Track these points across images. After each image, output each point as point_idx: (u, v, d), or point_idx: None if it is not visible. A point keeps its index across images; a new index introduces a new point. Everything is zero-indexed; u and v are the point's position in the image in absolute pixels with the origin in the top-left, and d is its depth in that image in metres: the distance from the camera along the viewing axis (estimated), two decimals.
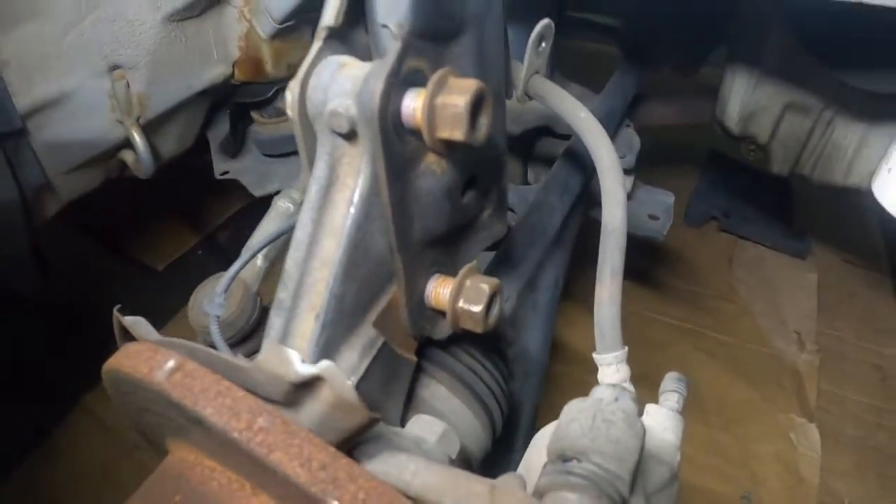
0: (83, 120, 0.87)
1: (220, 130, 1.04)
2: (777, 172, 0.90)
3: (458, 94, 0.35)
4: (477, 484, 0.33)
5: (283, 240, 0.59)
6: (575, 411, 0.32)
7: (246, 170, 1.01)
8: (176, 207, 1.74)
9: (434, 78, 0.35)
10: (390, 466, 0.34)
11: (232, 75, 0.95)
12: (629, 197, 0.85)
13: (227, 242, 1.73)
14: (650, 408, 0.47)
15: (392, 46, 0.35)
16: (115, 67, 0.86)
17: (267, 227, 0.56)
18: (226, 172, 1.00)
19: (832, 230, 1.62)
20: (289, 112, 0.35)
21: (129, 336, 0.40)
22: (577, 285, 1.24)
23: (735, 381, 1.36)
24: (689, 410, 1.14)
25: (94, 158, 0.92)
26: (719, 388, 1.35)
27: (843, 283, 1.57)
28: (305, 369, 0.29)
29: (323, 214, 0.37)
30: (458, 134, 0.36)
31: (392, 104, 0.36)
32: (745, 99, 0.84)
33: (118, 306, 0.43)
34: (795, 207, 1.66)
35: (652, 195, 0.84)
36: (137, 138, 0.87)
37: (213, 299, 0.47)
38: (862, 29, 0.59)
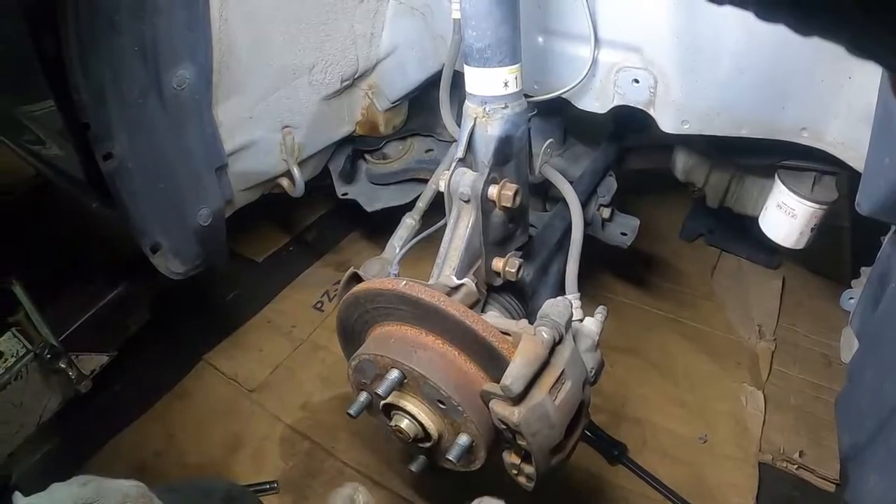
0: (261, 159, 1.41)
1: (338, 163, 1.61)
2: (710, 205, 1.43)
3: (509, 190, 0.90)
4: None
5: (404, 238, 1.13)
6: (549, 304, 0.85)
7: (360, 192, 1.60)
8: (272, 213, 2.29)
9: (500, 183, 0.90)
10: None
11: (354, 131, 1.53)
12: (609, 220, 1.39)
13: (313, 241, 2.29)
14: (587, 318, 0.99)
15: (484, 170, 0.91)
16: (285, 126, 1.41)
17: (402, 233, 1.08)
18: (345, 193, 1.58)
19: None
20: (442, 187, 0.90)
21: (355, 279, 0.95)
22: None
23: (702, 357, 1.82)
24: (665, 375, 1.68)
25: (263, 183, 1.47)
26: (689, 362, 1.80)
27: (805, 289, 2.01)
28: (454, 282, 0.84)
29: (455, 230, 0.92)
30: (507, 203, 0.91)
31: (484, 192, 0.90)
32: (685, 162, 1.38)
33: (352, 268, 0.97)
34: None
35: (624, 219, 1.38)
36: (296, 172, 1.43)
37: (390, 269, 0.99)
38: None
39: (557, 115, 1.34)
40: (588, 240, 1.33)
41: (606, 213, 1.33)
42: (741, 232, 1.96)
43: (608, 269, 2.08)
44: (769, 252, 2.04)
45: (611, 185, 1.36)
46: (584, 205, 1.31)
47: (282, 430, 1.70)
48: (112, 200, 1.23)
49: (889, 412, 0.82)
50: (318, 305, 2.04)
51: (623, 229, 1.36)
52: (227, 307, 2.00)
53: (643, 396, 1.73)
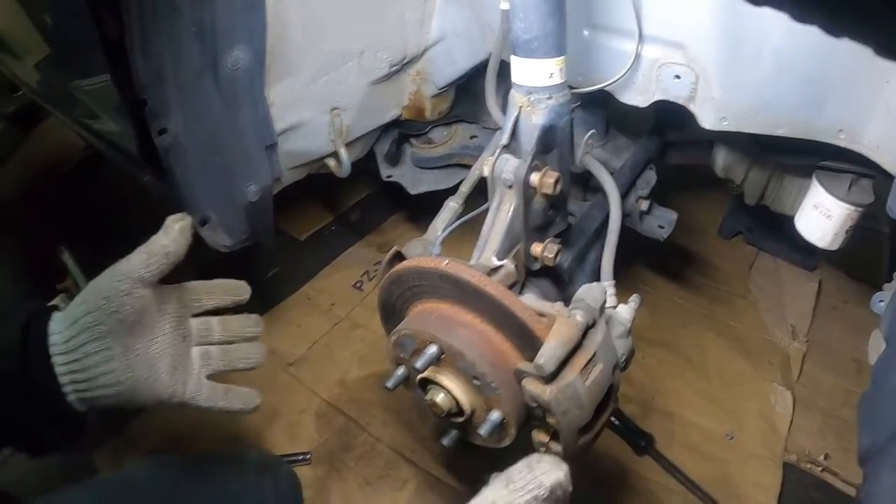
0: (310, 139, 1.46)
1: (383, 146, 1.66)
2: (748, 202, 1.45)
3: (550, 177, 0.93)
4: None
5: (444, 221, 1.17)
6: (584, 289, 0.89)
7: (403, 175, 1.65)
8: (316, 192, 2.38)
9: (542, 171, 0.93)
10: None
11: (401, 115, 1.58)
12: (647, 212, 1.42)
13: (355, 221, 2.35)
14: (620, 305, 1.02)
15: (527, 157, 0.95)
16: (334, 108, 1.46)
17: (445, 216, 1.12)
18: (390, 176, 1.64)
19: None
20: (486, 173, 0.94)
21: (398, 258, 1.00)
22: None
23: (735, 355, 1.84)
24: (697, 371, 1.71)
25: (311, 162, 1.53)
26: (721, 358, 1.83)
27: (841, 293, 2.00)
28: (494, 263, 0.88)
29: (497, 214, 0.95)
30: (548, 190, 0.95)
31: (526, 178, 0.94)
32: (725, 158, 1.40)
33: (395, 247, 1.01)
34: None
35: (662, 212, 1.41)
36: (343, 153, 1.48)
37: (433, 249, 1.04)
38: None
39: (600, 108, 1.37)
40: (626, 232, 1.37)
41: (645, 205, 1.36)
42: (779, 232, 1.96)
43: (646, 262, 2.11)
44: (807, 254, 2.04)
45: (650, 178, 1.38)
46: (623, 197, 1.33)
47: (318, 404, 1.77)
48: (164, 174, 1.30)
49: None
50: (358, 285, 2.10)
51: (661, 222, 1.39)
52: (268, 283, 2.08)
53: (674, 390, 1.76)
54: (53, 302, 1.52)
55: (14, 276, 2.41)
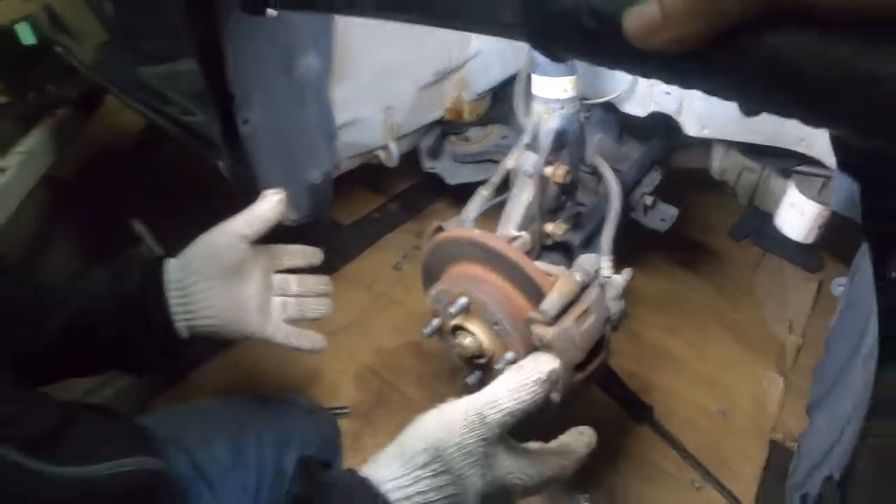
0: (365, 133, 1.71)
1: (427, 141, 1.92)
2: (741, 202, 1.68)
3: (561, 170, 1.18)
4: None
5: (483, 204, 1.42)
6: (583, 258, 1.12)
7: (443, 168, 1.91)
8: (362, 181, 2.62)
9: (555, 165, 1.18)
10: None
11: (443, 116, 1.83)
12: (652, 207, 1.66)
13: (397, 209, 2.59)
14: (615, 275, 1.25)
15: (543, 154, 1.20)
16: (387, 108, 1.72)
17: (477, 200, 1.37)
18: (431, 167, 1.90)
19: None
20: (510, 165, 1.19)
21: (439, 230, 1.25)
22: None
23: (734, 343, 2.02)
24: (698, 354, 1.93)
25: (364, 153, 1.79)
26: (722, 345, 2.01)
27: None
28: (514, 233, 1.13)
29: (518, 198, 1.20)
30: (559, 180, 1.20)
31: (542, 169, 1.19)
32: (720, 163, 1.63)
33: (436, 223, 1.26)
34: None
35: (665, 207, 1.65)
36: (392, 146, 1.74)
37: (466, 225, 1.28)
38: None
39: (614, 114, 1.61)
40: (647, 231, 1.63)
41: (649, 200, 1.60)
42: (786, 236, 2.15)
43: (662, 256, 2.32)
44: (809, 256, 2.25)
45: (655, 177, 1.62)
46: (630, 192, 1.58)
47: (356, 367, 2.00)
48: (239, 156, 1.55)
49: (841, 369, 1.07)
50: (397, 266, 2.35)
51: (663, 216, 1.63)
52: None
53: (675, 370, 1.96)
54: None
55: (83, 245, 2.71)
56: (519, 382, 0.78)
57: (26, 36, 4.22)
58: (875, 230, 0.60)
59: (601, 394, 1.85)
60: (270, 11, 0.92)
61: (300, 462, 0.73)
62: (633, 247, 2.18)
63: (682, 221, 2.35)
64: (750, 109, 0.45)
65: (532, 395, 0.77)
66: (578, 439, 0.89)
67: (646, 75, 0.47)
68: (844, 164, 0.56)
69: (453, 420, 0.73)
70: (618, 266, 1.25)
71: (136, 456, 0.88)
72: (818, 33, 0.35)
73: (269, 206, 1.00)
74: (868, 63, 0.34)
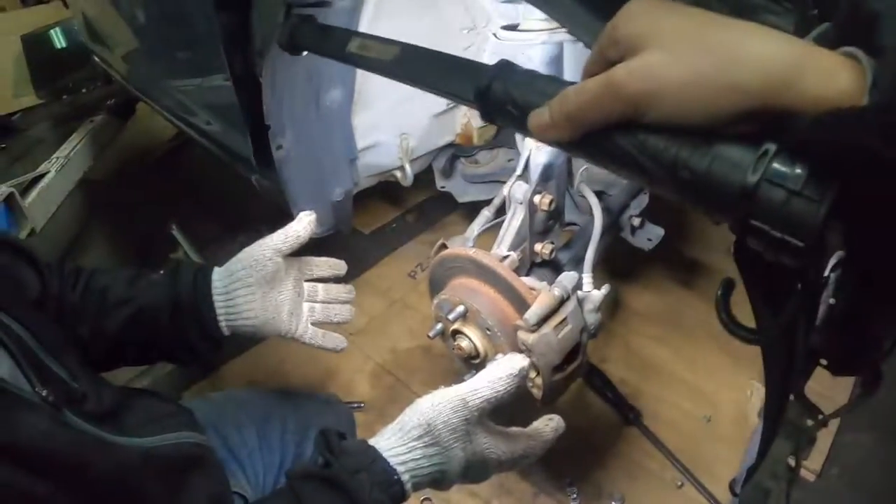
0: (383, 156, 1.91)
1: (439, 162, 2.14)
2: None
3: (547, 199, 1.40)
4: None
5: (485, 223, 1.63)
6: (564, 275, 1.33)
7: (454, 186, 2.13)
8: (381, 195, 2.81)
9: (542, 194, 1.39)
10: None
11: (454, 140, 2.05)
12: (640, 227, 1.86)
13: (413, 221, 2.81)
14: (594, 290, 1.46)
15: (532, 184, 1.42)
16: (402, 133, 1.93)
17: (479, 220, 1.57)
18: (443, 186, 2.12)
19: None
20: (505, 193, 1.41)
21: (443, 247, 1.46)
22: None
23: (721, 354, 2.13)
24: (686, 363, 2.11)
25: (382, 173, 2.01)
26: (709, 356, 2.14)
27: None
28: (505, 253, 1.35)
29: (510, 222, 1.40)
30: (545, 208, 1.41)
31: (531, 198, 1.41)
32: None
33: (441, 241, 1.48)
34: None
35: (651, 228, 1.83)
36: (408, 167, 1.95)
37: (466, 243, 1.50)
38: None
39: None
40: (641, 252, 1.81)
41: (637, 221, 1.79)
42: None
43: (658, 271, 2.48)
44: None
45: (643, 200, 1.81)
46: (619, 214, 1.79)
47: (372, 366, 2.19)
48: (269, 174, 1.75)
49: None
50: (412, 274, 2.56)
51: (649, 236, 1.82)
52: None
53: (664, 378, 2.11)
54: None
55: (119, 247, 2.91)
56: (495, 376, 0.95)
57: (59, 40, 4.50)
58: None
59: (594, 397, 2.04)
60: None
61: (321, 432, 0.91)
62: (632, 264, 2.39)
63: (680, 239, 2.56)
64: None
65: (506, 386, 0.95)
66: (548, 424, 1.08)
67: (549, 146, 0.71)
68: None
69: (442, 403, 0.91)
70: (605, 281, 1.45)
71: (183, 431, 1.07)
72: (640, 134, 0.57)
73: (302, 226, 1.14)
74: (673, 152, 0.56)
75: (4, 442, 0.64)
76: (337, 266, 1.29)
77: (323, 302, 1.22)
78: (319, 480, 0.85)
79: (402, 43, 0.87)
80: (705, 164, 0.54)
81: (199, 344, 1.13)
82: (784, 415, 0.97)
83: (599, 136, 0.60)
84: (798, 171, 0.50)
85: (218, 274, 1.14)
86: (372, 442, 0.92)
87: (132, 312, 1.09)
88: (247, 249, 1.15)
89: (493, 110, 0.72)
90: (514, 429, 1.05)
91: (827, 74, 0.50)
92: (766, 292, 0.75)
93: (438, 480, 0.92)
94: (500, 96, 0.70)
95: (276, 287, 1.13)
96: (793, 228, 0.51)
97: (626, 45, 0.57)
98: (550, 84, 0.67)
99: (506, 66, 0.72)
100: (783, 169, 0.50)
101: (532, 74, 0.70)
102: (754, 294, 0.79)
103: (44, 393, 0.78)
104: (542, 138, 0.65)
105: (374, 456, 0.87)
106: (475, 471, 0.97)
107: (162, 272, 1.18)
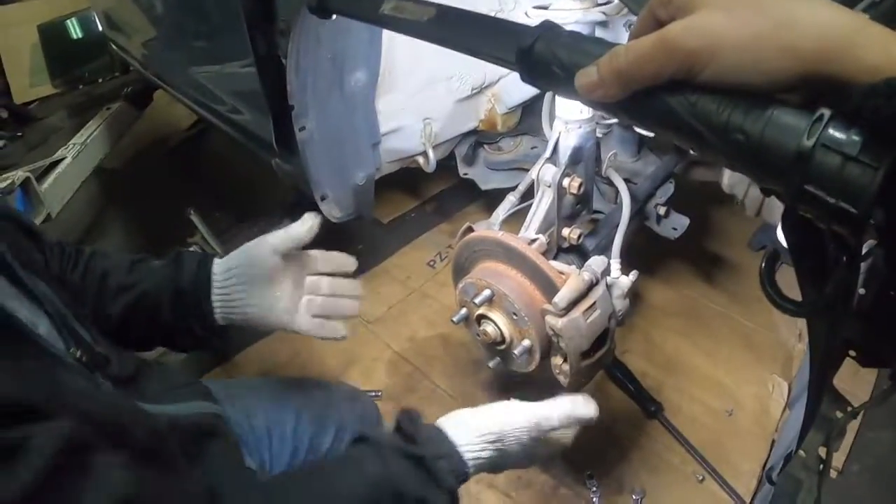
0: (406, 140, 1.90)
1: (462, 149, 2.12)
2: (749, 214, 1.85)
3: (576, 182, 1.37)
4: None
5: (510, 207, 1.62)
6: (593, 259, 1.31)
7: (477, 174, 2.11)
8: (400, 184, 2.83)
9: (571, 177, 1.37)
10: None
11: (478, 126, 2.04)
12: (665, 216, 1.84)
13: (432, 210, 2.81)
14: (622, 276, 1.44)
15: (561, 167, 1.40)
16: (426, 118, 1.92)
17: (505, 205, 1.56)
18: (466, 173, 2.10)
19: None
20: (533, 176, 1.39)
21: (469, 230, 1.45)
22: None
23: (743, 348, 2.15)
24: (708, 357, 2.11)
25: (404, 159, 2.00)
26: (731, 350, 2.15)
27: None
28: (533, 236, 1.33)
29: (539, 205, 1.38)
30: (574, 191, 1.40)
31: (560, 181, 1.38)
32: (730, 177, 1.80)
33: (467, 224, 1.46)
34: None
35: (677, 217, 1.81)
36: (430, 153, 1.94)
37: (492, 227, 1.49)
38: None
39: (632, 132, 1.80)
40: (667, 242, 1.81)
41: (662, 210, 1.77)
42: None
43: (680, 265, 2.48)
44: None
45: (668, 189, 1.80)
46: (645, 203, 1.77)
47: (390, 354, 2.19)
48: (290, 157, 1.75)
49: None
50: (431, 263, 2.56)
51: (675, 225, 1.80)
52: (355, 256, 2.51)
53: (686, 372, 2.10)
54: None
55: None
56: (571, 414, 1.08)
57: (75, 30, 4.52)
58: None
59: (616, 390, 2.02)
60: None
61: (403, 411, 0.99)
62: (653, 257, 2.37)
63: (701, 233, 2.54)
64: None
65: (574, 428, 1.10)
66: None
67: (592, 108, 0.70)
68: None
69: (518, 419, 1.03)
70: (629, 269, 1.43)
71: (200, 401, 1.10)
72: (691, 94, 0.56)
73: (304, 228, 1.15)
74: (726, 115, 0.55)
75: (54, 400, 0.63)
76: (344, 263, 1.29)
77: (328, 296, 1.23)
78: (405, 456, 0.90)
79: (438, 4, 0.85)
80: (759, 128, 0.53)
81: (200, 332, 1.15)
82: (825, 391, 0.95)
83: (649, 96, 0.59)
84: (854, 137, 0.49)
85: (218, 266, 1.16)
86: (450, 434, 0.98)
87: (134, 298, 1.12)
88: (247, 245, 1.17)
89: (536, 71, 0.70)
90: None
91: (882, 45, 0.50)
92: (813, 264, 0.74)
93: (487, 471, 1.03)
94: (545, 56, 0.68)
95: (273, 283, 1.15)
96: (848, 195, 0.50)
97: (680, 4, 0.57)
98: (597, 45, 0.65)
99: (550, 27, 0.70)
100: (839, 135, 0.50)
101: (577, 36, 0.69)
102: (801, 265, 0.78)
103: (78, 354, 0.78)
104: (589, 98, 0.63)
105: (452, 449, 0.95)
106: (519, 466, 1.09)
107: (163, 260, 1.19)
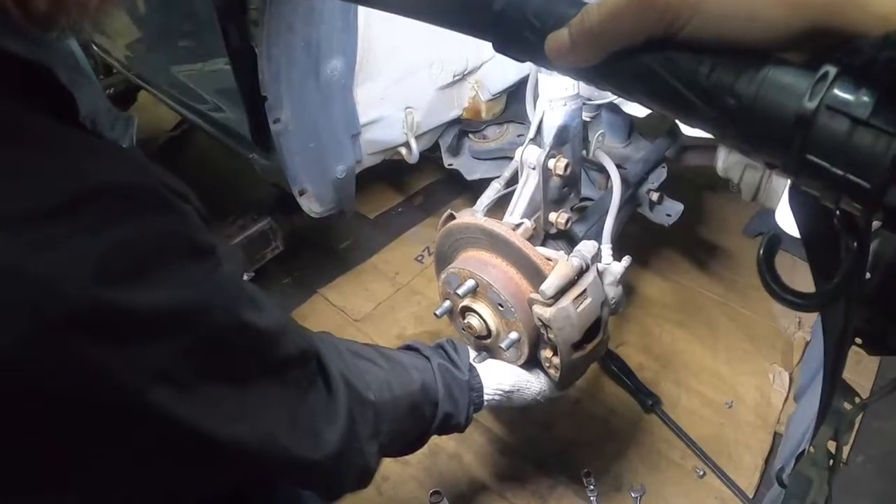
0: (387, 131, 1.83)
1: (446, 139, 2.05)
2: (745, 199, 1.77)
3: (562, 163, 1.29)
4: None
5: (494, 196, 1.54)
6: (582, 244, 1.23)
7: (462, 164, 2.03)
8: (386, 178, 2.76)
9: (557, 157, 1.30)
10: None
11: (462, 115, 1.96)
12: (658, 202, 1.76)
13: (420, 204, 2.74)
14: (614, 262, 1.36)
15: (546, 147, 1.32)
16: (408, 107, 1.84)
17: (489, 192, 1.48)
18: (451, 164, 2.02)
19: None
20: (517, 157, 1.31)
21: (451, 217, 1.37)
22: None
23: (742, 337, 2.08)
24: (706, 348, 2.03)
25: (386, 150, 1.92)
26: (729, 340, 2.08)
27: None
28: (518, 221, 1.25)
29: (523, 188, 1.31)
30: (560, 172, 1.32)
31: (545, 162, 1.31)
32: (724, 160, 1.73)
33: (449, 211, 1.38)
34: None
35: (670, 203, 1.74)
36: (413, 143, 1.87)
37: (477, 215, 1.40)
38: None
39: (622, 115, 1.73)
40: (661, 230, 1.75)
41: (656, 196, 1.70)
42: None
43: (675, 253, 2.41)
44: None
45: (661, 174, 1.72)
46: (636, 188, 1.69)
47: None
48: (268, 152, 1.69)
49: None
50: (419, 258, 2.49)
51: (668, 211, 1.72)
52: (342, 253, 2.46)
53: (684, 363, 2.04)
54: None
55: None
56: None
57: None
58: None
59: (612, 384, 1.95)
60: None
61: (449, 341, 1.28)
62: (646, 246, 2.30)
63: (695, 220, 2.47)
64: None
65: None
66: None
67: (569, 76, 0.62)
68: None
69: (532, 382, 1.31)
70: (621, 256, 1.36)
71: None
72: (673, 53, 0.50)
73: None
74: (715, 76, 0.48)
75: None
76: None
77: None
78: (450, 376, 1.19)
79: None
80: (753, 90, 0.46)
81: None
82: (838, 383, 0.88)
83: (626, 59, 0.52)
84: (865, 97, 0.42)
85: None
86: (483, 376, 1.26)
87: None
88: None
89: (507, 38, 0.63)
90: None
91: None
92: (825, 247, 0.66)
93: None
94: (516, 20, 0.60)
95: None
96: (858, 166, 0.43)
97: None
98: (572, 6, 0.57)
99: None
100: (846, 95, 0.43)
101: None
102: (811, 249, 0.70)
103: None
104: (561, 64, 0.56)
105: (481, 385, 1.25)
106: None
107: None
